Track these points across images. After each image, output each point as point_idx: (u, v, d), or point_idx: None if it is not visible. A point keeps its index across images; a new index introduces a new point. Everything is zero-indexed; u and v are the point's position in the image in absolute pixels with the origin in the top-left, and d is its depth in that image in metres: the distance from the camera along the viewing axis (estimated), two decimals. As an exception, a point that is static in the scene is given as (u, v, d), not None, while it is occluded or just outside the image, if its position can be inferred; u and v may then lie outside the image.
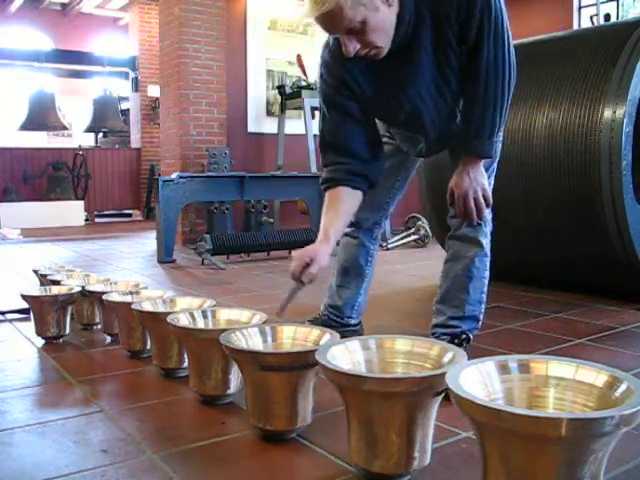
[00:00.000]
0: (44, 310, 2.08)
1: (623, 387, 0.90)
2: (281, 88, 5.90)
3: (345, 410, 1.11)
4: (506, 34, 1.57)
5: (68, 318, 2.14)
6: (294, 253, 1.57)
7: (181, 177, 4.41)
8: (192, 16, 5.37)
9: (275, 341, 1.41)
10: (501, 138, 1.79)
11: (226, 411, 1.49)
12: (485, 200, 1.67)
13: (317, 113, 6.00)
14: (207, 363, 1.48)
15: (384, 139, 1.85)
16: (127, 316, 1.85)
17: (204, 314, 1.62)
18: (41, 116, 8.90)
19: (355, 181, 1.69)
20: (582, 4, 6.68)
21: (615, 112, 2.47)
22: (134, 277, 3.50)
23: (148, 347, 1.88)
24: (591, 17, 6.10)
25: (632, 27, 2.62)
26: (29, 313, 2.26)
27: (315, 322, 1.93)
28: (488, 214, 1.76)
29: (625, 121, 2.47)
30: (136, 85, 9.06)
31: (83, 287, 2.14)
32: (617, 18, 6.29)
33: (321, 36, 1.56)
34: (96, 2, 10.24)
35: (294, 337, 1.40)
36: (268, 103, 6.19)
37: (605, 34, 2.78)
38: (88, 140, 10.61)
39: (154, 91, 8.35)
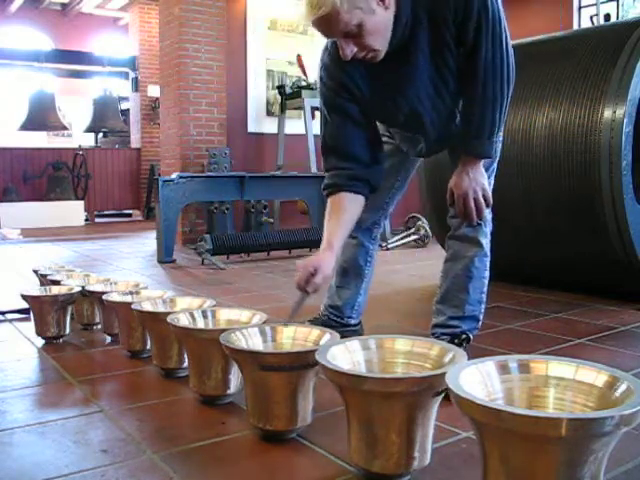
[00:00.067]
0: (44, 310, 2.08)
1: (623, 387, 0.90)
2: (281, 88, 5.90)
3: (345, 410, 1.12)
4: (504, 34, 1.57)
5: (68, 318, 2.14)
6: (298, 263, 1.56)
7: (181, 177, 4.41)
8: (192, 16, 5.37)
9: (275, 341, 1.41)
10: (501, 138, 1.79)
11: (226, 411, 1.49)
12: (485, 200, 1.67)
13: (317, 113, 6.01)
14: (207, 363, 1.48)
15: (384, 138, 1.85)
16: (127, 316, 1.85)
17: (204, 314, 1.62)
18: (41, 116, 8.90)
19: (357, 186, 1.69)
20: (582, 4, 6.68)
21: (615, 112, 2.47)
22: (134, 277, 3.50)
23: (148, 347, 1.88)
24: (591, 17, 6.10)
25: (632, 27, 2.62)
26: (29, 313, 2.26)
27: (315, 322, 1.93)
28: (488, 214, 1.76)
29: (625, 121, 2.47)
30: (136, 85, 9.06)
31: (83, 287, 2.14)
32: (617, 18, 6.29)
33: (321, 37, 1.56)
34: (96, 2, 10.24)
35: (294, 337, 1.41)
36: (268, 103, 6.19)
37: (605, 34, 2.78)
38: (88, 140, 10.61)
39: (154, 91, 8.35)
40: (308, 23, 1.47)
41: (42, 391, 1.68)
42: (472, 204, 1.65)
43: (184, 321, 1.55)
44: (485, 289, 1.82)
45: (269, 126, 6.15)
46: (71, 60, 8.98)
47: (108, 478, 1.15)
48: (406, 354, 1.22)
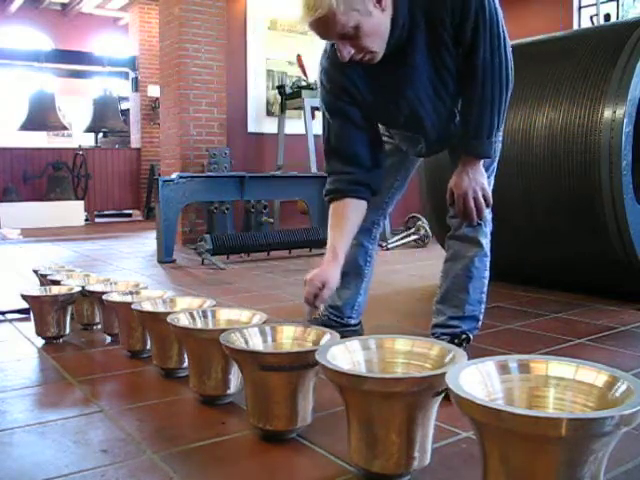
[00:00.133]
0: (44, 310, 2.08)
1: (623, 387, 0.90)
2: (281, 88, 5.90)
3: (345, 410, 1.12)
4: (502, 35, 1.57)
5: (68, 318, 2.14)
6: (306, 277, 1.56)
7: (181, 177, 4.41)
8: (192, 16, 5.37)
9: (275, 341, 1.41)
10: (500, 138, 1.79)
11: (226, 411, 1.49)
12: (485, 200, 1.67)
13: (317, 113, 6.01)
14: (207, 363, 1.48)
15: (383, 138, 1.85)
16: (127, 316, 1.85)
17: (204, 314, 1.62)
18: (41, 116, 8.90)
19: (359, 191, 1.69)
20: (582, 4, 6.68)
21: (615, 112, 2.47)
22: (134, 277, 3.50)
23: (148, 347, 1.88)
24: (591, 17, 6.10)
25: (632, 27, 2.62)
26: (29, 313, 2.26)
27: (315, 322, 1.93)
28: (488, 214, 1.76)
29: (625, 121, 2.47)
30: (136, 85, 9.06)
31: (83, 287, 2.14)
32: (617, 18, 6.29)
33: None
34: (96, 2, 10.24)
35: (294, 337, 1.41)
36: (268, 103, 6.19)
37: (605, 34, 2.78)
38: (88, 140, 10.61)
39: (154, 91, 8.35)
40: (305, 25, 1.47)
41: (42, 391, 1.68)
42: (472, 204, 1.65)
43: (184, 321, 1.55)
44: (485, 289, 1.82)
45: (269, 126, 6.15)
46: (71, 60, 8.98)
47: (108, 478, 1.15)
48: (406, 354, 1.22)
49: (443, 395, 1.05)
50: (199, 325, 1.58)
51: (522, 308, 2.62)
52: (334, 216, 1.69)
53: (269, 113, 6.19)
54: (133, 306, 1.73)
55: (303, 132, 5.54)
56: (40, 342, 2.14)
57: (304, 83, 5.75)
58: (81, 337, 2.21)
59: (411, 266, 3.99)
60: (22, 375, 1.79)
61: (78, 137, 10.89)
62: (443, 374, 0.97)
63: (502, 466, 0.86)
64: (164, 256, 4.24)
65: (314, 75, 5.51)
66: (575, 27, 6.53)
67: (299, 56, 5.82)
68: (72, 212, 7.97)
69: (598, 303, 2.66)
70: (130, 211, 9.38)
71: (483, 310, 1.83)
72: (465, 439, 1.30)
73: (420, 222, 5.06)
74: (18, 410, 1.51)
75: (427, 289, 3.05)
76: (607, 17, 5.77)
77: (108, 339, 2.16)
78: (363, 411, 1.07)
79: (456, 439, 1.31)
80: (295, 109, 5.92)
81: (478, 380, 0.97)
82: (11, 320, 2.51)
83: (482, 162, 1.66)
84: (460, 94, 1.67)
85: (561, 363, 1.00)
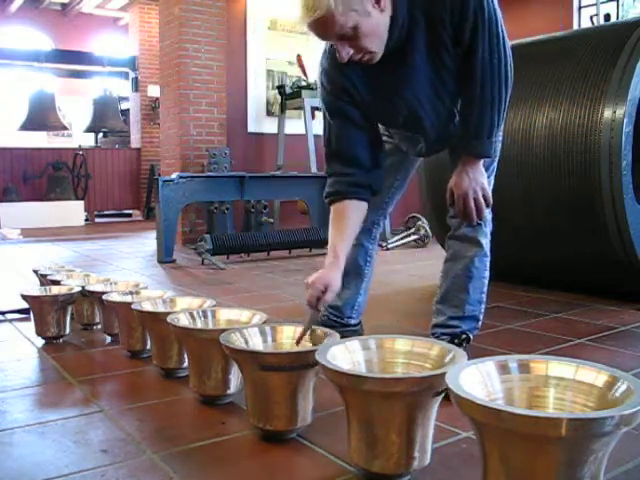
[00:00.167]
0: (44, 310, 2.08)
1: (623, 387, 0.90)
2: (281, 88, 5.90)
3: (345, 410, 1.12)
4: (501, 34, 1.57)
5: (68, 318, 2.14)
6: (308, 280, 1.55)
7: (181, 177, 4.41)
8: (192, 16, 5.37)
9: (275, 341, 1.41)
10: (500, 137, 1.79)
11: (226, 411, 1.49)
12: (485, 200, 1.67)
13: (317, 113, 6.00)
14: (207, 363, 1.48)
15: (383, 138, 1.85)
16: (127, 316, 1.85)
17: (204, 314, 1.62)
18: (41, 116, 8.90)
19: (360, 193, 1.69)
20: (582, 4, 6.68)
21: (615, 112, 2.47)
22: (134, 277, 3.50)
23: (148, 347, 1.88)
24: (591, 17, 6.10)
25: (632, 27, 2.62)
26: (29, 313, 2.26)
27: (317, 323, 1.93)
28: (488, 214, 1.76)
29: (625, 121, 2.47)
30: (136, 85, 9.06)
31: (83, 287, 2.14)
32: (617, 18, 6.29)
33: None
34: (96, 2, 10.24)
35: (294, 337, 1.40)
36: (268, 103, 6.19)
37: (605, 34, 2.78)
38: (88, 140, 10.61)
39: (154, 91, 8.35)
40: (304, 26, 1.47)
41: (42, 391, 1.68)
42: (472, 204, 1.65)
43: (184, 321, 1.55)
44: (485, 289, 1.82)
45: (269, 126, 6.15)
46: (71, 60, 8.98)
47: (108, 478, 1.15)
48: (406, 354, 1.22)
49: (443, 395, 1.05)
50: (199, 325, 1.58)
51: (522, 308, 2.62)
52: (335, 218, 1.69)
53: (269, 113, 6.19)
54: (133, 306, 1.73)
55: (303, 132, 5.54)
56: (40, 342, 2.14)
57: (304, 83, 5.75)
58: (81, 337, 2.21)
59: (411, 266, 3.99)
60: (22, 375, 1.79)
61: (78, 137, 10.89)
62: (443, 374, 0.97)
63: (502, 466, 0.86)
64: (164, 256, 4.24)
65: (314, 75, 5.51)
66: (575, 27, 6.53)
67: (299, 56, 5.82)
68: (72, 212, 7.97)
69: (598, 303, 2.66)
70: (130, 211, 9.38)
71: (483, 310, 1.82)
72: (465, 439, 1.30)
73: (420, 222, 5.06)
74: (18, 410, 1.51)
75: (427, 289, 3.05)
76: (607, 17, 5.77)
77: (108, 339, 2.16)
78: (363, 411, 1.07)
79: (456, 439, 1.31)
80: (295, 109, 5.92)
81: (478, 380, 0.97)
82: (11, 320, 2.51)
83: (482, 162, 1.66)
84: (459, 94, 1.67)
85: (561, 363, 1.00)
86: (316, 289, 1.51)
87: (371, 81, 1.65)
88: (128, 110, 9.70)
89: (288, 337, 1.41)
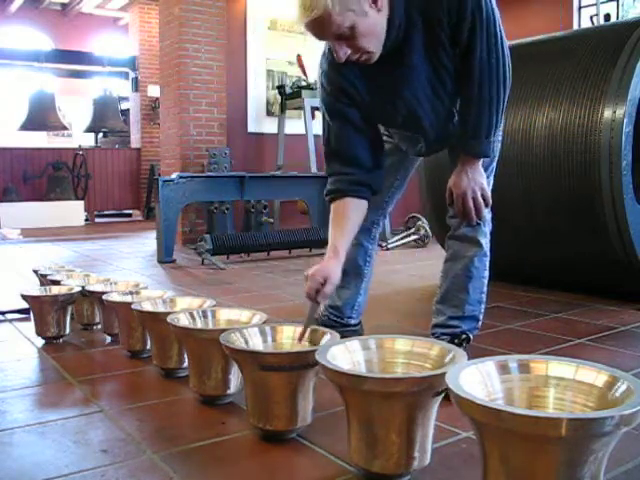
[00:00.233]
0: (44, 310, 2.08)
1: (623, 387, 0.90)
2: (281, 88, 5.90)
3: (345, 410, 1.12)
4: (499, 34, 1.57)
5: (68, 318, 2.14)
6: (307, 273, 1.55)
7: (181, 177, 4.41)
8: (192, 16, 5.37)
9: (275, 341, 1.41)
10: (500, 137, 1.79)
11: (226, 411, 1.49)
12: (484, 200, 1.67)
13: (317, 113, 6.00)
14: (207, 363, 1.48)
15: (383, 137, 1.85)
16: (127, 316, 1.85)
17: (204, 314, 1.62)
18: (41, 116, 8.90)
19: (360, 191, 1.69)
20: (582, 4, 6.68)
21: (615, 112, 2.47)
22: (134, 277, 3.50)
23: (148, 347, 1.88)
24: (591, 17, 6.10)
25: (632, 27, 2.62)
26: (29, 313, 2.26)
27: (315, 322, 1.93)
28: (487, 214, 1.76)
29: (625, 121, 2.47)
30: (136, 85, 9.06)
31: (83, 287, 2.14)
32: (617, 18, 6.29)
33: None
34: (96, 2, 10.24)
35: (294, 337, 1.40)
36: (268, 103, 6.19)
37: (605, 34, 2.78)
38: (88, 140, 10.61)
39: (154, 91, 8.35)
40: (301, 26, 1.47)
41: (42, 391, 1.68)
42: (471, 204, 1.66)
43: (184, 321, 1.55)
44: (485, 289, 1.82)
45: (269, 126, 6.15)
46: (71, 60, 8.98)
47: (108, 478, 1.15)
48: (406, 354, 1.22)
49: (443, 395, 1.05)
50: (199, 325, 1.58)
51: (522, 308, 2.62)
52: (335, 216, 1.69)
53: (269, 113, 6.19)
54: (133, 306, 1.73)
55: (303, 132, 5.54)
56: (40, 342, 2.14)
57: (304, 83, 5.75)
58: (81, 337, 2.21)
59: (411, 266, 3.99)
60: (22, 375, 1.79)
61: (78, 137, 10.89)
62: (443, 374, 0.97)
63: (502, 466, 0.86)
64: (164, 256, 4.24)
65: (314, 75, 5.51)
66: (575, 27, 6.53)
67: (299, 56, 5.83)
68: (72, 212, 7.97)
69: (598, 303, 2.66)
70: (130, 211, 9.38)
71: (483, 310, 1.83)
72: (465, 439, 1.30)
73: (420, 222, 5.06)
74: (18, 410, 1.51)
75: (427, 289, 3.05)
76: (607, 17, 5.77)
77: (108, 339, 2.16)
78: (363, 411, 1.07)
79: (456, 439, 1.31)
80: (295, 109, 5.92)
81: (478, 380, 0.97)
82: (11, 320, 2.51)
83: (481, 162, 1.66)
84: (458, 94, 1.67)
85: (561, 363, 1.00)
86: (315, 281, 1.51)
87: (370, 82, 1.65)
88: (128, 110, 9.70)
89: (288, 337, 1.41)
